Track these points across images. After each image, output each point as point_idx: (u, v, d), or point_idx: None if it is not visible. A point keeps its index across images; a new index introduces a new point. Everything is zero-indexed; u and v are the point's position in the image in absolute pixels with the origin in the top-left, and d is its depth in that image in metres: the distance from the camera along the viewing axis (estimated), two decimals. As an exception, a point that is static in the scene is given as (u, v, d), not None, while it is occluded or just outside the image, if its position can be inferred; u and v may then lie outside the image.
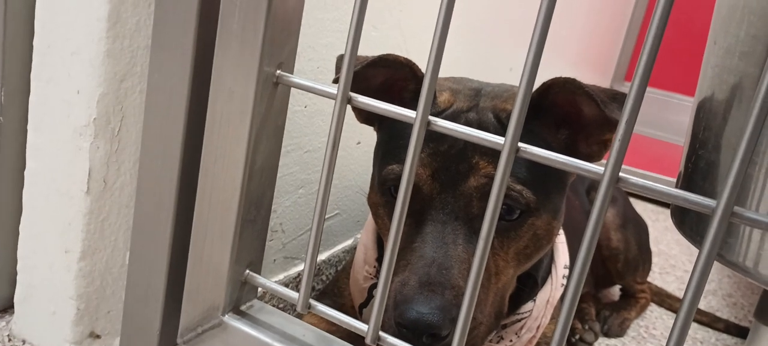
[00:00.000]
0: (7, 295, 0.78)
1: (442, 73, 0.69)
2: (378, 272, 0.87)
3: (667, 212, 2.32)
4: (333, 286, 0.98)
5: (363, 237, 0.91)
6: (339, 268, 1.12)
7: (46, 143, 0.69)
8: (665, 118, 3.37)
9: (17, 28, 0.69)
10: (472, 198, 0.67)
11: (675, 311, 1.49)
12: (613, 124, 0.67)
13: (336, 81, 0.72)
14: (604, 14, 2.73)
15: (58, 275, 0.70)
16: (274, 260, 0.97)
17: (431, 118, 0.49)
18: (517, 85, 0.73)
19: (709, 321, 1.44)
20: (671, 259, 1.90)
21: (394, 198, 0.72)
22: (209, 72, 0.57)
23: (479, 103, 0.73)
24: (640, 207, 1.85)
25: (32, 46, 0.68)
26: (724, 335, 1.42)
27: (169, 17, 0.58)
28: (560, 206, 0.74)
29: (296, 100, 0.91)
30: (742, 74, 0.49)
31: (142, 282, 0.64)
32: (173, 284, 0.63)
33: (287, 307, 0.98)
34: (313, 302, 0.57)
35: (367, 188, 0.83)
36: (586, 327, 1.26)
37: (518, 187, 0.67)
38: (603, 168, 0.42)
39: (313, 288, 1.06)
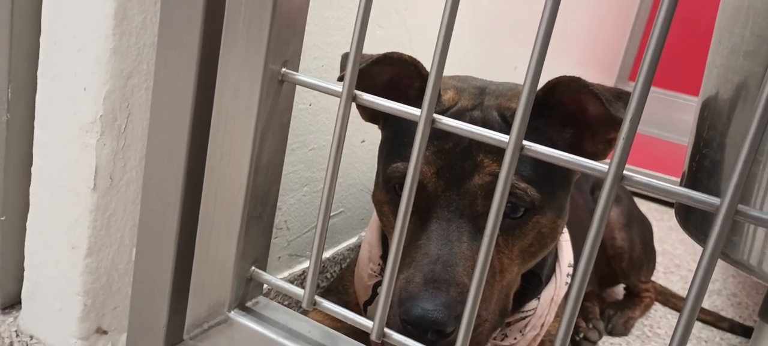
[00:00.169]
0: (14, 291, 0.78)
1: (447, 71, 0.69)
2: (382, 269, 0.87)
3: (672, 211, 2.31)
4: (338, 283, 0.98)
5: (367, 235, 0.91)
6: (343, 266, 1.12)
7: (53, 140, 0.69)
8: (669, 118, 3.37)
9: (24, 26, 0.70)
10: (476, 196, 0.67)
11: (679, 310, 1.49)
12: (618, 123, 0.67)
13: (341, 79, 0.73)
14: (608, 13, 2.73)
15: (65, 271, 0.71)
16: (279, 258, 0.98)
17: (436, 116, 0.49)
18: (522, 83, 0.73)
19: (714, 320, 1.44)
20: (676, 258, 1.89)
21: (399, 196, 0.72)
22: (215, 69, 0.57)
23: (484, 102, 0.73)
24: (645, 207, 1.85)
25: (39, 44, 0.68)
26: (729, 335, 1.42)
27: (175, 15, 0.58)
28: (565, 204, 0.74)
29: (301, 98, 0.91)
30: (746, 73, 0.49)
31: (149, 278, 0.64)
32: (179, 280, 0.63)
33: (292, 304, 0.98)
34: (318, 298, 0.58)
35: (371, 186, 0.83)
36: (591, 326, 1.26)
37: (523, 185, 0.67)
38: (607, 166, 0.42)
39: (318, 285, 1.07)
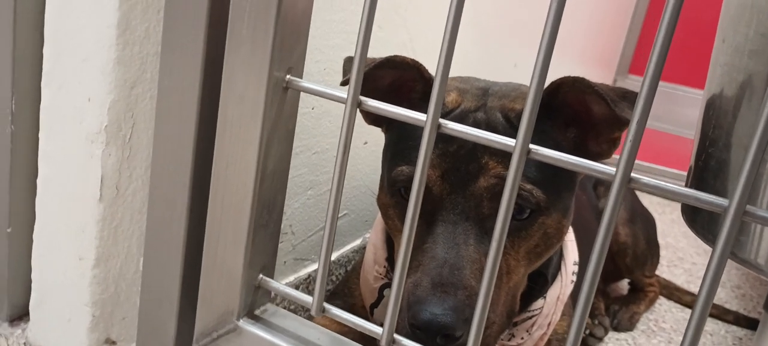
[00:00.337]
0: (23, 302, 0.78)
1: (450, 73, 0.69)
2: (388, 271, 0.87)
3: (675, 205, 2.32)
4: (343, 286, 0.98)
5: (372, 237, 0.92)
6: (349, 268, 1.12)
7: (58, 151, 0.69)
8: (672, 111, 3.36)
9: (27, 36, 0.70)
10: (482, 198, 0.68)
11: (684, 303, 1.49)
12: (623, 123, 0.67)
13: (344, 83, 0.73)
14: (607, 6, 2.72)
15: (73, 281, 0.71)
16: (285, 262, 0.98)
17: (442, 120, 0.49)
18: (524, 83, 0.73)
19: (719, 313, 1.44)
20: (679, 252, 1.89)
21: (404, 199, 0.72)
22: (219, 77, 0.57)
23: (487, 103, 0.73)
24: (647, 200, 1.85)
25: (42, 54, 0.68)
26: (734, 327, 1.42)
27: (178, 23, 0.58)
28: (570, 205, 0.74)
29: (304, 101, 0.91)
30: (751, 72, 0.49)
31: (157, 288, 0.64)
32: (187, 289, 0.63)
33: (298, 308, 0.98)
34: (327, 305, 0.58)
35: (374, 188, 0.83)
36: (596, 322, 1.26)
37: (528, 186, 0.68)
38: (614, 169, 0.42)
39: (323, 288, 1.07)
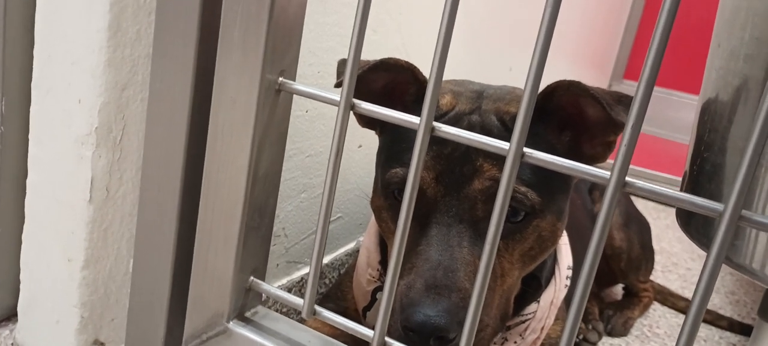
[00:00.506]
0: (11, 304, 0.78)
1: (444, 75, 0.69)
2: (381, 275, 0.87)
3: (669, 210, 2.32)
4: (336, 289, 0.98)
5: (365, 240, 0.91)
6: (342, 271, 1.12)
7: (48, 153, 0.68)
8: (667, 116, 3.37)
9: (17, 38, 0.69)
10: (476, 201, 0.67)
11: (678, 309, 1.49)
12: (617, 126, 0.67)
13: (338, 86, 0.72)
14: (601, 11, 2.73)
15: (62, 283, 0.70)
16: (277, 265, 0.97)
17: (436, 124, 0.49)
18: (519, 86, 0.73)
19: (713, 319, 1.44)
20: (673, 257, 1.89)
21: (398, 201, 0.72)
22: (211, 80, 0.57)
23: (482, 106, 0.73)
24: (642, 205, 1.85)
25: (32, 56, 0.67)
26: (728, 333, 1.42)
27: (170, 26, 0.57)
28: (564, 208, 0.74)
29: (297, 104, 0.90)
30: (746, 77, 0.49)
31: (146, 290, 0.64)
32: (177, 292, 0.63)
33: (290, 310, 0.98)
34: (318, 308, 0.57)
35: (368, 191, 0.82)
36: (590, 327, 1.26)
37: (523, 189, 0.67)
38: (609, 173, 0.42)
39: (317, 292, 1.06)
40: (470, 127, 0.70)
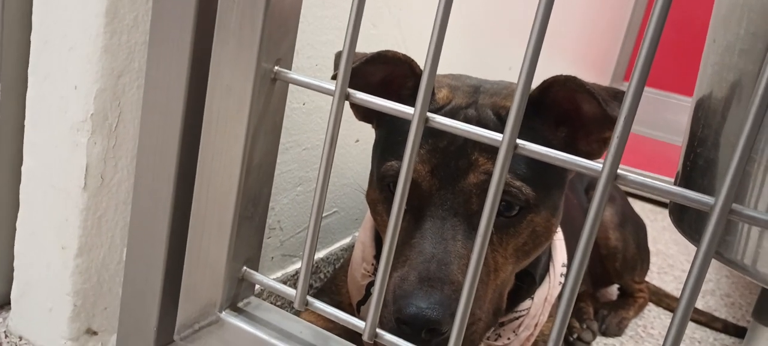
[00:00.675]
0: (4, 291, 0.78)
1: (440, 72, 0.69)
2: (376, 269, 0.86)
3: (666, 211, 2.32)
4: (331, 284, 0.98)
5: (361, 235, 0.91)
6: (337, 266, 1.12)
7: (44, 139, 0.68)
8: (663, 118, 3.37)
9: (14, 24, 0.69)
10: (471, 194, 0.67)
11: (673, 310, 1.49)
12: (613, 122, 0.67)
13: (334, 77, 0.72)
14: (603, 13, 2.73)
15: (55, 271, 0.70)
16: (272, 258, 0.97)
17: (430, 114, 0.49)
18: (516, 82, 0.73)
19: (707, 321, 1.44)
20: (669, 258, 1.90)
21: (393, 194, 0.72)
22: (207, 68, 0.57)
23: (478, 100, 0.73)
24: (638, 207, 1.85)
25: (29, 42, 0.67)
26: (722, 335, 1.42)
27: (166, 13, 0.57)
28: (559, 203, 0.74)
29: (294, 97, 0.90)
30: (741, 72, 0.49)
31: (139, 279, 0.64)
32: (170, 281, 0.63)
33: (285, 304, 0.98)
34: (310, 299, 0.57)
35: (365, 186, 0.82)
36: (584, 326, 1.26)
37: (518, 183, 0.67)
38: (601, 165, 0.42)
39: (311, 286, 1.06)
40: (467, 121, 0.70)
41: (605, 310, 1.35)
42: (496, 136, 0.46)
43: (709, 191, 0.52)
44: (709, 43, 0.54)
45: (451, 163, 0.68)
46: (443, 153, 0.68)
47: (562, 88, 0.68)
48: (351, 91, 0.52)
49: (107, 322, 0.74)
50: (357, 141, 1.10)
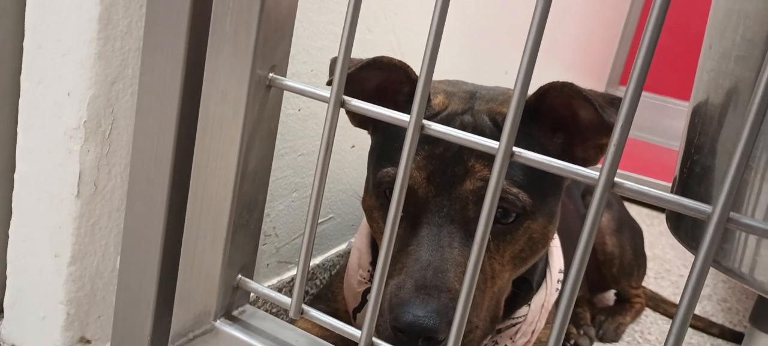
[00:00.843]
0: (-3, 299, 0.77)
1: (437, 76, 0.69)
2: (372, 276, 0.86)
3: (662, 216, 2.32)
4: (327, 290, 0.97)
5: (357, 241, 0.91)
6: (333, 272, 1.11)
7: (37, 146, 0.68)
8: (660, 123, 3.38)
9: (7, 29, 0.69)
10: (467, 201, 0.67)
11: (670, 316, 1.49)
12: (610, 129, 0.67)
13: (329, 84, 0.72)
14: (599, 18, 2.74)
15: (48, 279, 0.70)
16: (268, 265, 0.97)
17: (425, 122, 0.48)
18: (513, 88, 0.73)
19: (704, 326, 1.44)
20: (666, 263, 1.89)
21: (389, 201, 0.71)
22: (201, 74, 0.57)
23: (474, 106, 0.73)
24: (635, 211, 1.85)
25: (22, 47, 0.67)
26: (719, 340, 1.42)
27: (160, 19, 0.57)
28: (556, 210, 0.74)
29: (290, 103, 0.90)
30: (737, 78, 0.48)
31: (133, 287, 0.63)
32: (164, 289, 0.62)
33: (280, 312, 0.97)
34: (305, 307, 0.57)
35: (361, 192, 0.82)
36: (581, 332, 1.26)
37: (514, 190, 0.67)
38: (598, 173, 0.42)
39: (307, 293, 1.06)
40: (463, 127, 0.70)
41: (602, 316, 1.35)
42: (493, 143, 0.46)
43: (706, 198, 0.51)
44: (706, 50, 0.54)
45: (448, 170, 0.67)
46: (439, 159, 0.68)
47: (559, 94, 0.68)
48: (346, 98, 0.52)
49: (101, 330, 0.73)
50: (353, 147, 1.09)
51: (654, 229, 2.21)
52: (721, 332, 1.43)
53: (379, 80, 0.74)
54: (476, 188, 0.67)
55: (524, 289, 0.81)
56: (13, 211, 0.72)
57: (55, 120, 0.66)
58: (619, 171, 0.41)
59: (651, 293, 1.51)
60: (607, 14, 2.91)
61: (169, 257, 0.62)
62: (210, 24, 0.55)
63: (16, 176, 0.70)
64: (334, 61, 0.79)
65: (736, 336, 1.42)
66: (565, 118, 0.71)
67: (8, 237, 0.73)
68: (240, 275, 0.62)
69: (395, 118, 0.50)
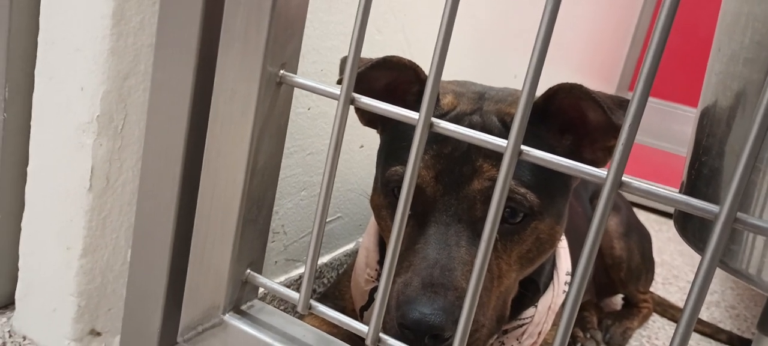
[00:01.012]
0: (9, 291, 0.78)
1: (446, 78, 0.69)
2: (380, 275, 0.86)
3: (671, 222, 2.31)
4: (334, 289, 0.98)
5: (365, 240, 0.91)
6: (340, 271, 1.12)
7: (49, 140, 0.69)
8: (668, 129, 3.37)
9: (22, 24, 0.69)
10: (475, 201, 0.67)
11: (677, 321, 1.48)
12: (618, 131, 0.67)
13: (339, 82, 0.72)
14: (609, 22, 2.73)
15: (60, 272, 0.70)
16: (276, 262, 0.97)
17: (434, 119, 0.49)
18: (521, 89, 0.73)
19: (712, 332, 1.44)
20: (674, 269, 1.89)
21: (398, 200, 0.72)
22: (213, 71, 0.57)
23: (483, 107, 0.73)
24: (643, 217, 1.85)
25: (36, 43, 0.68)
26: (727, 346, 1.42)
27: (173, 15, 0.58)
28: (563, 211, 0.74)
29: (299, 102, 0.91)
30: (746, 81, 0.48)
31: (143, 280, 0.64)
32: (174, 283, 0.63)
33: (288, 308, 0.98)
34: (313, 302, 0.57)
35: (369, 191, 0.82)
36: (588, 336, 1.26)
37: (522, 190, 0.67)
38: (606, 172, 0.42)
39: (315, 291, 1.06)
40: (471, 127, 0.69)
41: (609, 320, 1.34)
42: (501, 141, 0.46)
43: (713, 200, 0.51)
44: (714, 52, 0.54)
45: (456, 169, 0.68)
46: (448, 159, 0.68)
47: (568, 95, 0.68)
48: (356, 95, 0.52)
49: (111, 323, 0.74)
50: (361, 146, 1.10)
51: (662, 235, 2.21)
52: (728, 338, 1.42)
53: (389, 80, 0.74)
54: (484, 187, 0.67)
55: (531, 290, 0.81)
56: (25, 204, 0.73)
57: (67, 114, 0.66)
58: (625, 175, 0.41)
59: (659, 299, 1.51)
60: (617, 18, 2.90)
61: (179, 251, 0.62)
62: (222, 21, 0.56)
63: (29, 169, 0.71)
64: (344, 61, 0.79)
65: (744, 343, 1.41)
66: (573, 120, 0.71)
67: (20, 229, 0.74)
68: (249, 270, 0.63)
69: (405, 116, 0.50)
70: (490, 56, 1.51)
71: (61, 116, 0.67)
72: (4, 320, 0.77)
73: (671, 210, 0.49)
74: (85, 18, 0.63)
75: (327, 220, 1.02)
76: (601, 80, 2.98)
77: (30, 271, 0.74)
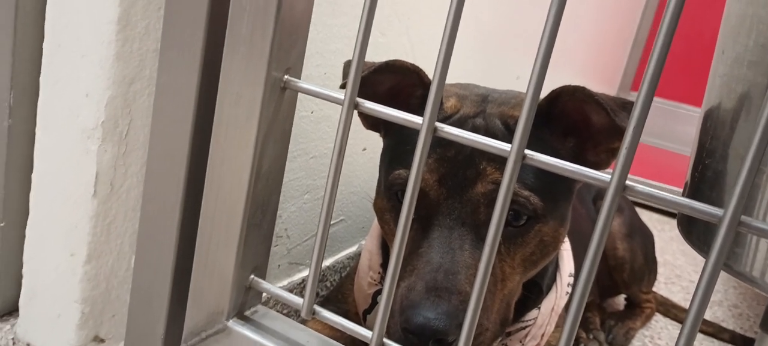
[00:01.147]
0: (12, 298, 0.78)
1: (450, 80, 0.69)
2: (383, 278, 0.87)
3: (673, 222, 2.31)
4: (337, 292, 0.98)
5: (368, 243, 0.91)
6: (343, 274, 1.12)
7: (54, 145, 0.69)
8: (672, 129, 3.36)
9: (27, 30, 0.70)
10: (479, 204, 0.67)
11: (680, 321, 1.48)
12: (621, 133, 0.67)
13: (343, 86, 0.73)
14: (611, 23, 2.73)
15: (63, 278, 0.71)
16: (279, 266, 0.97)
17: (438, 124, 0.49)
18: (524, 91, 0.73)
19: (715, 332, 1.44)
20: (677, 269, 1.89)
21: (401, 203, 0.72)
22: (217, 76, 0.57)
23: (486, 110, 0.73)
24: (646, 217, 1.84)
25: (42, 48, 0.68)
26: (730, 346, 1.41)
27: (178, 21, 0.58)
28: (567, 213, 0.74)
29: (303, 105, 0.91)
30: (750, 83, 0.49)
31: (147, 286, 0.64)
32: (178, 289, 0.63)
33: (291, 312, 0.98)
34: (317, 307, 0.57)
35: (372, 194, 0.83)
36: (591, 336, 1.26)
37: (526, 193, 0.67)
38: (609, 176, 0.42)
39: (318, 294, 1.06)
40: (474, 130, 0.70)
41: (612, 320, 1.34)
42: (505, 146, 0.46)
43: (717, 202, 0.52)
44: (718, 55, 0.54)
45: (459, 173, 0.68)
46: (451, 162, 0.68)
47: (571, 98, 0.68)
48: (360, 100, 0.52)
49: (115, 329, 0.74)
50: (364, 150, 1.10)
51: (665, 234, 2.21)
52: (731, 337, 1.42)
53: (392, 83, 0.75)
54: (487, 190, 0.67)
55: (534, 292, 0.82)
56: (30, 209, 0.73)
57: (72, 120, 0.67)
58: (629, 176, 0.42)
59: (661, 299, 1.51)
60: (620, 20, 2.90)
61: (183, 257, 0.62)
62: (226, 26, 0.56)
63: (33, 175, 0.71)
64: (347, 64, 0.80)
65: (747, 342, 1.41)
66: (576, 122, 0.71)
67: (25, 236, 0.74)
68: (253, 276, 0.63)
69: (408, 120, 0.51)
70: (493, 58, 1.51)
71: (66, 122, 0.67)
72: (8, 326, 0.77)
73: (674, 210, 0.50)
74: (90, 23, 0.63)
75: (330, 223, 1.02)
76: (603, 82, 2.98)
77: (34, 277, 0.74)
